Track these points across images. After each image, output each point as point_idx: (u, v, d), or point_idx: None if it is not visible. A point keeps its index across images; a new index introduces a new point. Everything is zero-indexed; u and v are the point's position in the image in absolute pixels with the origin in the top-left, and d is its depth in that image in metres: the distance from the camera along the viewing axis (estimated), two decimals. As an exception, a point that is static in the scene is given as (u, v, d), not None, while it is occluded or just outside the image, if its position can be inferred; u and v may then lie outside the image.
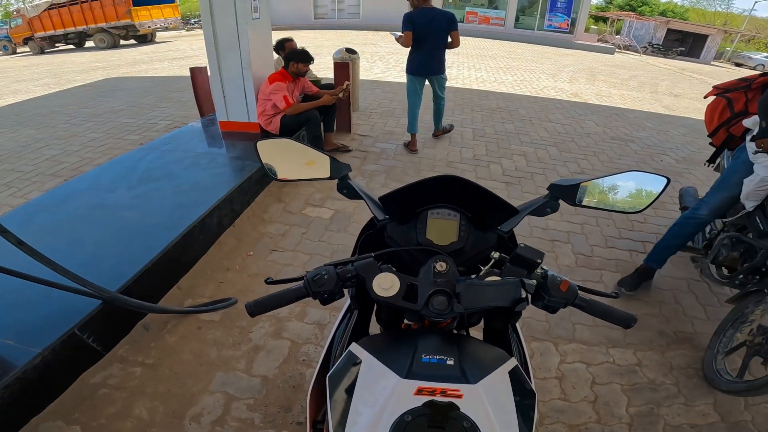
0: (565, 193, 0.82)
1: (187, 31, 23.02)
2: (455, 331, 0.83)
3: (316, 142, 3.50)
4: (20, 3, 27.09)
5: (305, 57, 3.39)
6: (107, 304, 1.75)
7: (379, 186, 3.32)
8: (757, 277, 1.80)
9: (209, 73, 3.73)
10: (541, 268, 0.69)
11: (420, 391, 0.57)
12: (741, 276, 1.85)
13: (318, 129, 3.53)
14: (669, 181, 0.80)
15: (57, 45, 17.33)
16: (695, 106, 7.30)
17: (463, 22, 18.61)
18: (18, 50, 17.96)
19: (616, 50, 18.47)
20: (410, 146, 4.03)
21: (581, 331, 2.00)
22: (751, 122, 1.93)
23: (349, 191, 0.90)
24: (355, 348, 0.68)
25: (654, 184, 0.81)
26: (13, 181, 3.54)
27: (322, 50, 9.72)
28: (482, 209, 0.76)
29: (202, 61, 10.74)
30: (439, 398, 0.56)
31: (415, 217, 0.78)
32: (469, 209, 0.77)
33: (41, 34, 16.63)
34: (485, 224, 0.78)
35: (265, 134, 3.56)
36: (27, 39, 17.20)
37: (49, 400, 1.60)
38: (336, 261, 0.71)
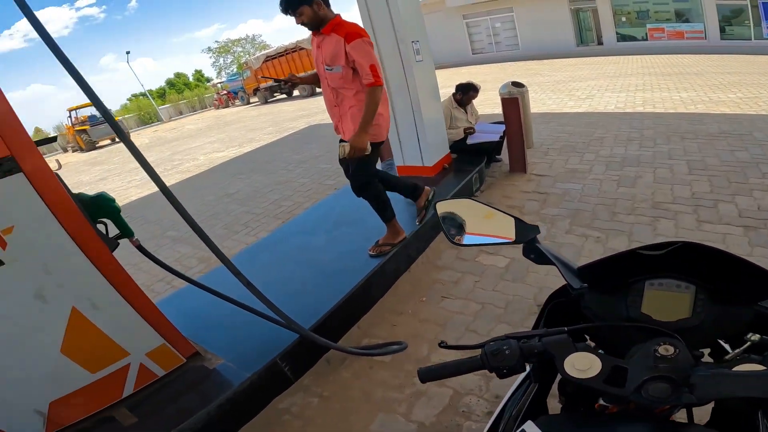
0: None
1: None
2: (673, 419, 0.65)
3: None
4: (247, 56, 34.13)
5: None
6: (303, 338, 1.92)
7: (563, 233, 2.92)
8: None
9: None
10: None
11: None
12: None
13: None
14: None
15: (275, 94, 21.03)
16: None
17: (646, 39, 16.21)
18: (251, 100, 22.50)
19: None
20: None
21: None
22: None
23: (537, 256, 0.81)
24: (530, 427, 0.59)
25: None
26: (248, 221, 4.45)
27: (486, 85, 9.67)
28: (729, 280, 0.62)
29: None
30: None
31: (625, 287, 0.67)
32: (709, 279, 0.63)
33: (264, 85, 20.41)
34: (733, 298, 0.63)
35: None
36: (255, 90, 21.59)
37: (245, 421, 1.80)
38: (519, 333, 0.64)
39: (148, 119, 29.77)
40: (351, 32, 2.07)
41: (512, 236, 0.83)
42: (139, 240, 1.80)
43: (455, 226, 0.88)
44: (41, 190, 1.39)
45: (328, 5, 2.15)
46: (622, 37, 16.95)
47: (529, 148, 4.49)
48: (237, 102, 24.42)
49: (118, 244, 1.69)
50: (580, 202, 3.33)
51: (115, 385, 1.74)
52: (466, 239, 0.88)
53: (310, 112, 13.15)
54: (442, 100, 3.98)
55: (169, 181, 7.28)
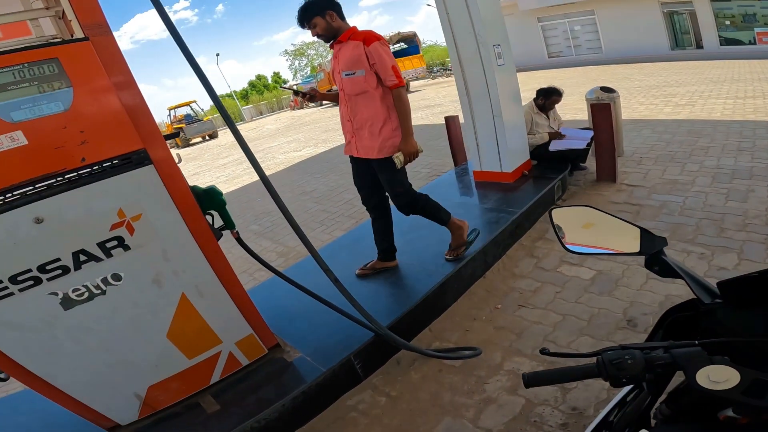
0: None
1: (432, 79, 25.68)
2: None
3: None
4: (320, 59, 34.96)
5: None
6: (378, 337, 1.95)
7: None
8: None
9: (462, 122, 3.91)
10: None
11: None
12: None
13: None
14: None
15: None
16: None
17: (754, 43, 14.40)
18: (323, 102, 23.55)
19: None
20: None
21: None
22: None
23: (662, 268, 0.78)
24: None
25: None
26: (324, 219, 4.63)
27: (567, 90, 9.11)
28: None
29: (449, 108, 11.73)
30: None
31: (764, 302, 0.63)
32: None
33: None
34: None
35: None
36: (328, 91, 22.69)
37: (314, 415, 1.84)
38: (636, 344, 0.62)
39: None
40: (369, 36, 2.04)
41: (636, 247, 0.80)
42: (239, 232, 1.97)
43: (572, 232, 0.86)
44: (167, 181, 1.54)
45: (341, 17, 2.13)
46: (725, 41, 15.29)
47: (620, 157, 4.14)
48: (310, 104, 25.58)
49: (222, 235, 1.85)
50: (681, 215, 3.00)
51: (205, 371, 1.86)
52: (583, 248, 0.85)
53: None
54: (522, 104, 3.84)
55: (252, 179, 7.86)
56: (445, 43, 3.63)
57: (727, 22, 15.36)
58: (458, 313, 2.40)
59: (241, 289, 1.87)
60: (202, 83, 1.53)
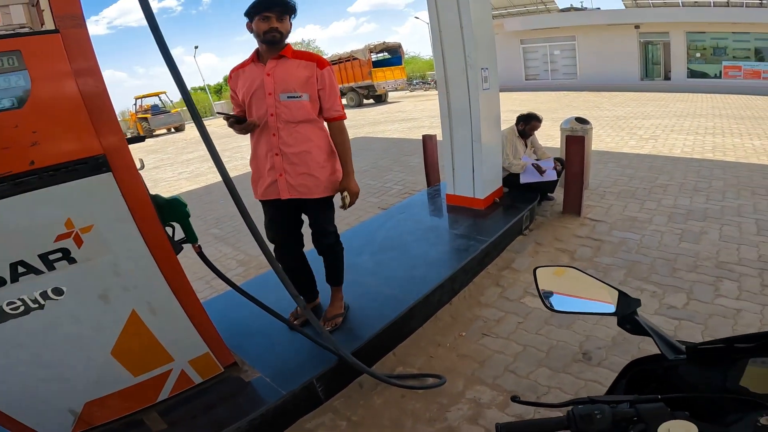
0: None
1: (410, 91, 26.07)
2: None
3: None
4: None
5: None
6: (341, 361, 1.90)
7: (616, 283, 2.75)
8: None
9: (440, 141, 3.89)
10: None
11: None
12: None
13: None
14: None
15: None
16: None
17: (720, 77, 15.33)
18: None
19: None
20: None
21: None
22: None
23: (633, 326, 0.82)
24: None
25: None
26: None
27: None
28: None
29: (426, 123, 11.79)
30: None
31: (725, 362, 0.68)
32: None
33: None
34: None
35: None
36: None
37: None
38: (603, 397, 0.65)
39: (203, 113, 31.43)
40: (321, 59, 1.85)
41: (612, 308, 0.85)
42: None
43: (554, 289, 0.90)
44: (125, 191, 1.44)
45: None
46: (692, 74, 16.19)
47: (585, 189, 4.31)
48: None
49: (182, 248, 1.74)
50: (638, 253, 3.14)
51: (152, 389, 1.74)
52: (563, 306, 0.89)
53: (357, 123, 13.39)
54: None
55: (217, 178, 7.59)
56: (427, 57, 3.66)
57: (698, 54, 16.28)
58: (423, 338, 2.40)
59: (198, 306, 1.77)
60: (171, 72, 1.42)
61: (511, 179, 3.96)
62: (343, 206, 2.00)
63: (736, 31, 15.00)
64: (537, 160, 4.00)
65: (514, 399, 0.72)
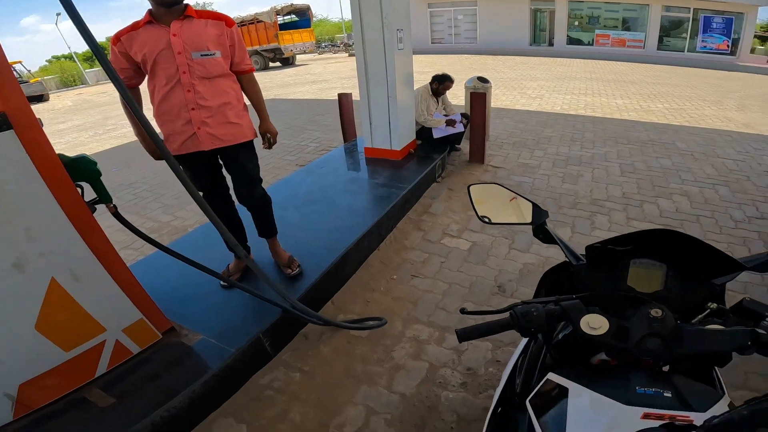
0: None
1: (319, 54, 25.25)
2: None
3: None
4: None
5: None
6: (286, 313, 1.96)
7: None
8: None
9: (357, 100, 4.02)
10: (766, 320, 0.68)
11: (647, 416, 0.57)
12: None
13: None
14: None
15: None
16: None
17: (593, 44, 17.35)
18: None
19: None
20: None
21: (755, 381, 1.75)
22: None
23: (545, 236, 0.98)
24: (554, 377, 0.72)
25: None
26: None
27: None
28: (695, 262, 0.77)
29: (337, 84, 11.56)
30: (679, 421, 0.55)
31: (614, 264, 0.81)
32: (679, 260, 0.78)
33: None
34: (695, 276, 0.79)
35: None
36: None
37: (226, 398, 1.78)
38: (534, 300, 0.75)
39: (71, 82, 26.85)
40: (227, 17, 1.91)
41: (530, 219, 1.01)
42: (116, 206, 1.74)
43: (483, 205, 1.04)
44: (30, 150, 1.30)
45: None
46: (570, 41, 17.92)
47: (487, 140, 4.79)
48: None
49: (95, 209, 1.61)
50: (531, 194, 3.65)
51: (88, 364, 1.64)
52: (492, 218, 1.04)
53: (265, 86, 12.41)
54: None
55: (103, 147, 6.72)
56: (336, 20, 3.63)
57: (576, 23, 17.94)
58: (358, 284, 2.51)
59: (124, 269, 1.68)
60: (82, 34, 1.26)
61: (423, 133, 4.26)
62: (269, 146, 2.16)
63: (609, 1, 16.79)
64: (445, 116, 4.35)
65: (463, 311, 0.80)
